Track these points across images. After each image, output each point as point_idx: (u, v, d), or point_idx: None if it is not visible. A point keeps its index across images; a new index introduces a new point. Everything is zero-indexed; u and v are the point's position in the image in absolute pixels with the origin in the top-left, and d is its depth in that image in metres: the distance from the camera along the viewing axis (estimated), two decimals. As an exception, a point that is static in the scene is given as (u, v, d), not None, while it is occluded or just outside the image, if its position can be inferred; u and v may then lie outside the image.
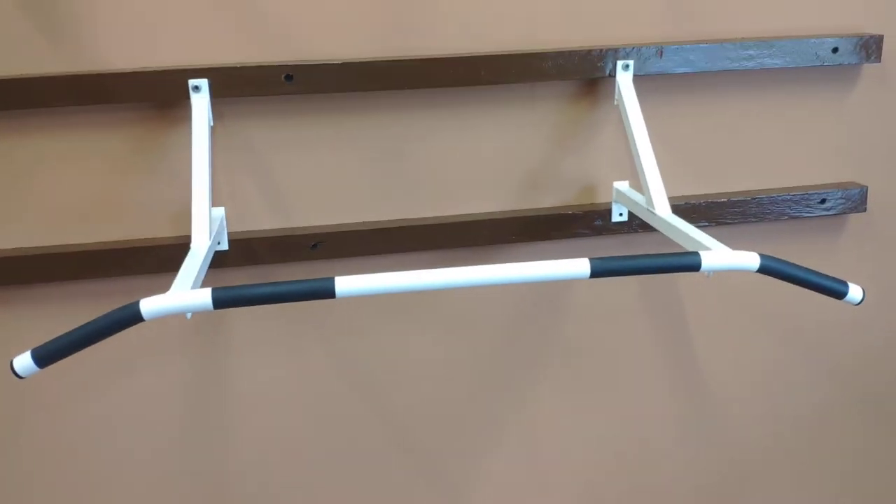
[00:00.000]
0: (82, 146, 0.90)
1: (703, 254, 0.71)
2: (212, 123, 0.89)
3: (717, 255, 0.72)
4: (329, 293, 0.66)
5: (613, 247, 1.06)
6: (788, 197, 1.06)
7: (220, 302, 0.65)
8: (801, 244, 1.12)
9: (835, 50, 1.01)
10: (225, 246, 0.93)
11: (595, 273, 0.70)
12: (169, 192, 0.93)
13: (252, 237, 0.95)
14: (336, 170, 0.96)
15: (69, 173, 0.91)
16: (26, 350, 0.94)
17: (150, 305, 0.64)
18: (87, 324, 0.64)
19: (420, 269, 0.67)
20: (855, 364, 1.20)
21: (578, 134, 1.01)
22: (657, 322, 1.11)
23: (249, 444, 1.04)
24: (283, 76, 0.89)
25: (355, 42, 0.92)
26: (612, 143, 1.02)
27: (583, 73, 0.96)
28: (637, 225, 1.03)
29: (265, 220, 0.96)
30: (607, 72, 0.96)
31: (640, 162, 0.91)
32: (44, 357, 0.64)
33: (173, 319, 0.97)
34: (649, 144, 0.91)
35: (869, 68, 1.06)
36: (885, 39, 1.03)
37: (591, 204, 1.04)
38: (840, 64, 1.02)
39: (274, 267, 0.97)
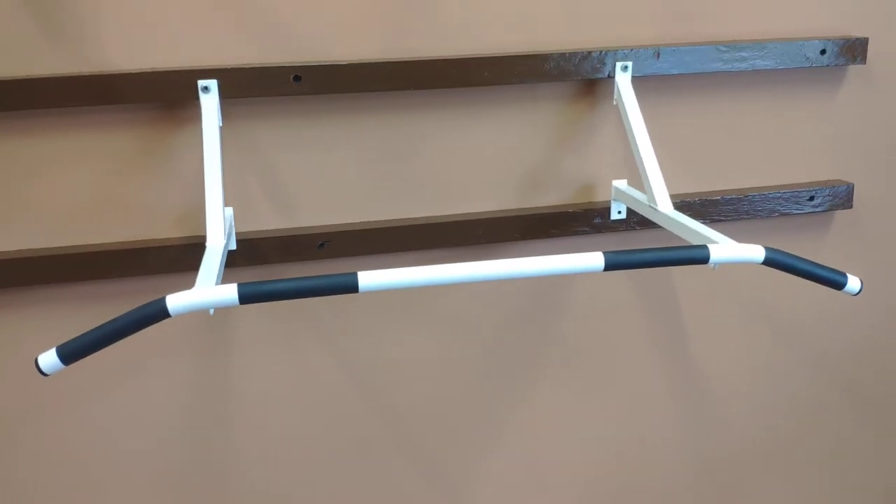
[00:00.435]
0: (88, 147, 0.90)
1: (711, 247, 0.74)
2: (220, 124, 0.90)
3: (725, 248, 0.75)
4: (353, 287, 0.67)
5: (613, 244, 1.08)
6: (779, 194, 1.10)
7: (245, 297, 0.66)
8: (790, 240, 1.15)
9: (823, 52, 1.05)
10: (233, 245, 0.94)
11: (609, 266, 0.72)
12: (175, 192, 0.94)
13: (259, 237, 0.96)
14: (342, 170, 0.97)
15: (75, 174, 0.91)
16: (30, 353, 0.94)
17: (176, 301, 0.65)
18: (113, 320, 0.65)
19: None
20: (843, 357, 1.24)
21: (578, 134, 1.04)
22: (653, 320, 1.14)
23: (250, 442, 1.05)
24: (291, 77, 0.90)
25: (362, 43, 0.94)
26: (610, 142, 1.05)
27: (583, 74, 0.98)
28: (635, 222, 1.06)
29: (272, 220, 0.97)
30: (606, 73, 0.99)
31: (640, 160, 0.93)
32: (69, 354, 0.65)
33: (174, 318, 0.98)
34: (650, 143, 0.94)
35: (854, 69, 1.09)
36: (869, 42, 1.07)
37: (590, 202, 1.06)
38: (827, 65, 1.06)
39: (281, 266, 0.98)
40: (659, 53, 1.00)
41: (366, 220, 1.00)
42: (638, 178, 1.06)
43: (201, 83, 0.88)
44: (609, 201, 1.05)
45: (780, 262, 0.76)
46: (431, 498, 1.14)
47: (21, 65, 0.86)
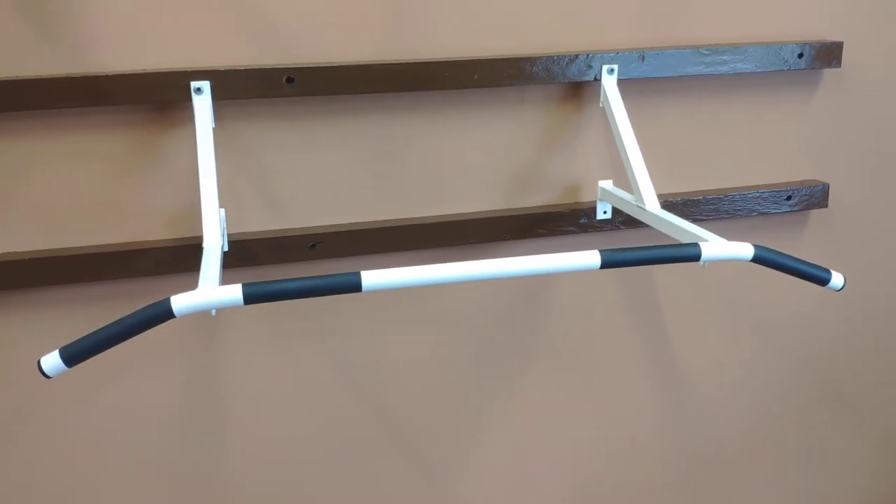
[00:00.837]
0: (79, 148, 0.90)
1: (702, 245, 0.76)
2: (213, 125, 0.90)
3: (715, 246, 0.77)
4: (356, 287, 0.68)
5: (599, 243, 1.10)
6: (758, 194, 1.13)
7: (250, 297, 0.66)
8: (768, 238, 1.18)
9: (800, 55, 1.08)
10: (224, 247, 0.94)
11: (605, 264, 0.74)
12: (166, 194, 0.94)
13: (251, 238, 0.96)
14: (334, 171, 0.98)
15: (65, 176, 0.90)
16: (20, 356, 0.93)
17: (181, 302, 0.65)
18: (117, 322, 0.65)
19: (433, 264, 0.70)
20: (821, 354, 1.28)
21: (564, 135, 1.05)
22: (637, 319, 1.16)
23: (243, 442, 1.05)
24: (284, 78, 0.90)
25: (354, 45, 0.94)
26: (596, 143, 1.07)
27: (570, 77, 1.00)
28: (619, 222, 1.08)
29: (264, 221, 0.97)
30: (593, 76, 1.01)
31: (628, 161, 0.95)
32: (72, 356, 0.64)
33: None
34: (636, 144, 0.96)
35: (830, 73, 1.13)
36: (844, 46, 1.10)
37: (577, 202, 1.08)
38: (804, 68, 1.09)
39: (272, 267, 0.98)
40: (644, 57, 1.02)
41: (357, 220, 1.01)
42: (623, 179, 1.08)
43: (194, 84, 0.88)
44: (595, 201, 1.07)
45: (767, 259, 0.78)
46: (422, 494, 1.15)
47: (11, 65, 0.85)
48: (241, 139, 0.94)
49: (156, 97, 0.88)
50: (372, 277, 0.68)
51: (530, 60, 0.98)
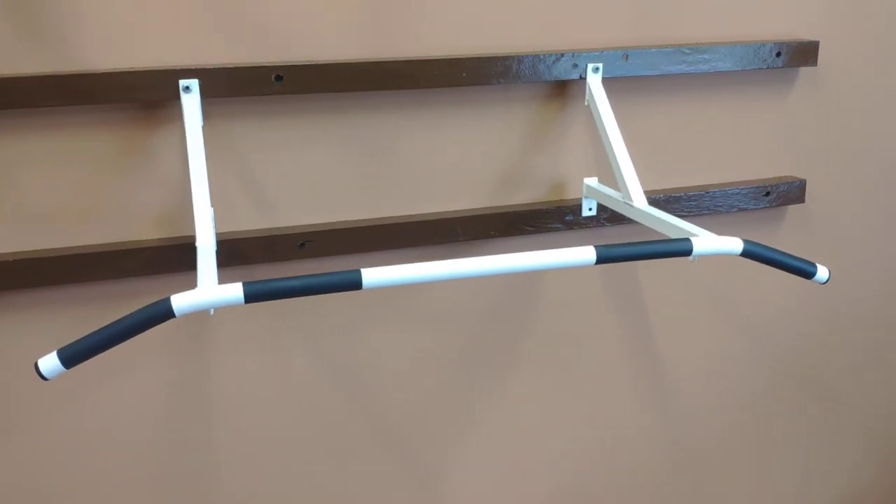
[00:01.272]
0: (64, 147, 0.88)
1: (693, 239, 0.77)
2: (202, 123, 0.89)
3: (705, 240, 0.78)
4: (356, 284, 0.68)
5: (584, 239, 1.11)
6: (738, 190, 1.15)
7: (251, 296, 0.66)
8: (747, 233, 1.20)
9: (778, 54, 1.10)
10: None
11: (600, 259, 0.75)
12: (153, 193, 0.93)
13: (239, 237, 0.95)
14: (322, 169, 0.98)
15: (51, 176, 0.88)
16: (9, 359, 0.92)
17: (181, 301, 0.65)
18: (116, 322, 0.64)
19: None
20: (802, 349, 1.31)
21: (550, 133, 1.06)
22: (620, 315, 1.18)
23: (231, 442, 1.04)
24: (272, 76, 0.90)
25: (343, 44, 0.94)
26: (581, 141, 1.08)
27: (556, 76, 1.01)
28: (604, 218, 1.09)
29: (252, 220, 0.97)
30: (578, 74, 1.02)
31: (614, 158, 0.97)
32: (70, 357, 0.64)
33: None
34: (622, 141, 0.97)
35: (806, 71, 1.16)
36: (820, 46, 1.13)
37: (562, 200, 1.09)
38: (782, 67, 1.11)
39: (261, 267, 0.98)
40: (628, 56, 1.03)
41: (346, 219, 1.01)
42: (607, 176, 1.09)
43: (182, 83, 0.87)
44: (580, 198, 1.09)
45: (756, 253, 0.80)
46: (412, 492, 1.15)
47: (-6, 63, 0.84)
48: (228, 137, 0.93)
49: (144, 96, 0.87)
50: (372, 275, 0.68)
51: (517, 59, 0.99)
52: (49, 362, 0.63)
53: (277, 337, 1.02)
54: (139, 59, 0.88)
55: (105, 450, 0.99)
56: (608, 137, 0.98)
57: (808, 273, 0.83)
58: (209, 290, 0.65)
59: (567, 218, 1.08)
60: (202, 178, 0.82)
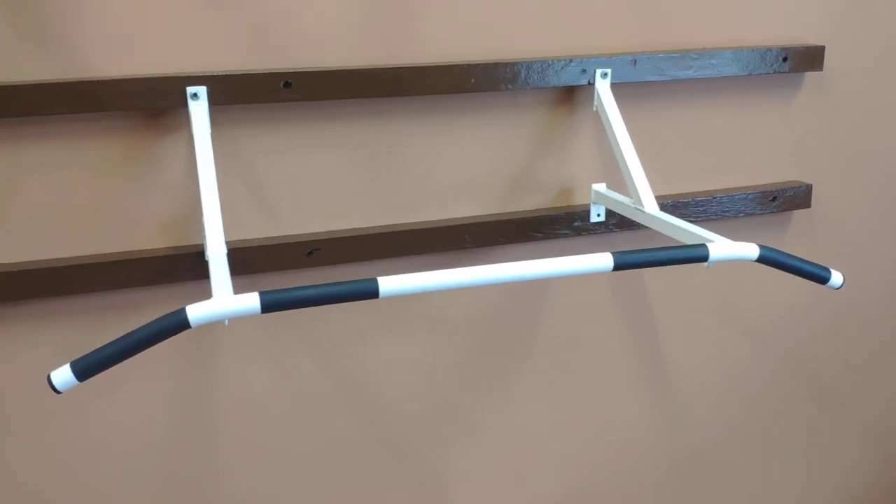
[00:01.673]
0: (70, 156, 0.87)
1: (709, 245, 0.77)
2: (210, 130, 0.88)
3: (722, 246, 0.78)
4: (373, 293, 0.67)
5: (593, 246, 1.11)
6: (745, 195, 1.15)
7: (268, 306, 0.65)
8: (754, 238, 1.20)
9: (784, 59, 1.10)
10: (221, 255, 0.92)
11: (617, 266, 0.74)
12: (158, 202, 0.91)
13: (247, 245, 0.94)
14: (330, 176, 0.97)
15: (56, 184, 0.87)
16: (8, 371, 0.90)
17: (196, 312, 0.63)
18: (131, 333, 0.63)
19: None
20: (806, 351, 1.30)
21: (558, 139, 1.06)
22: (626, 319, 1.17)
23: (234, 449, 1.03)
24: (281, 83, 0.89)
25: (351, 50, 0.93)
26: (588, 147, 1.07)
27: (564, 81, 1.01)
28: (613, 224, 1.09)
29: (259, 228, 0.96)
30: (587, 80, 1.01)
31: (624, 164, 0.96)
32: (84, 370, 0.62)
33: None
34: (632, 147, 0.97)
35: (812, 76, 1.16)
36: (826, 50, 1.13)
37: (570, 206, 1.09)
38: (788, 72, 1.11)
39: (269, 276, 0.97)
40: (636, 61, 1.03)
41: (354, 226, 1.00)
42: (615, 182, 1.09)
43: (190, 90, 0.86)
44: (588, 204, 1.08)
45: (772, 259, 0.80)
46: (416, 496, 1.14)
47: (0, 71, 0.82)
48: (235, 145, 0.92)
49: (150, 103, 0.86)
50: (389, 283, 0.67)
51: (526, 65, 0.98)
52: (62, 375, 0.62)
53: (282, 344, 1.01)
54: (146, 66, 0.87)
55: (110, 458, 0.97)
56: (618, 143, 0.97)
57: (822, 278, 0.83)
58: (225, 300, 0.64)
59: (575, 224, 1.07)
60: (212, 187, 0.81)
